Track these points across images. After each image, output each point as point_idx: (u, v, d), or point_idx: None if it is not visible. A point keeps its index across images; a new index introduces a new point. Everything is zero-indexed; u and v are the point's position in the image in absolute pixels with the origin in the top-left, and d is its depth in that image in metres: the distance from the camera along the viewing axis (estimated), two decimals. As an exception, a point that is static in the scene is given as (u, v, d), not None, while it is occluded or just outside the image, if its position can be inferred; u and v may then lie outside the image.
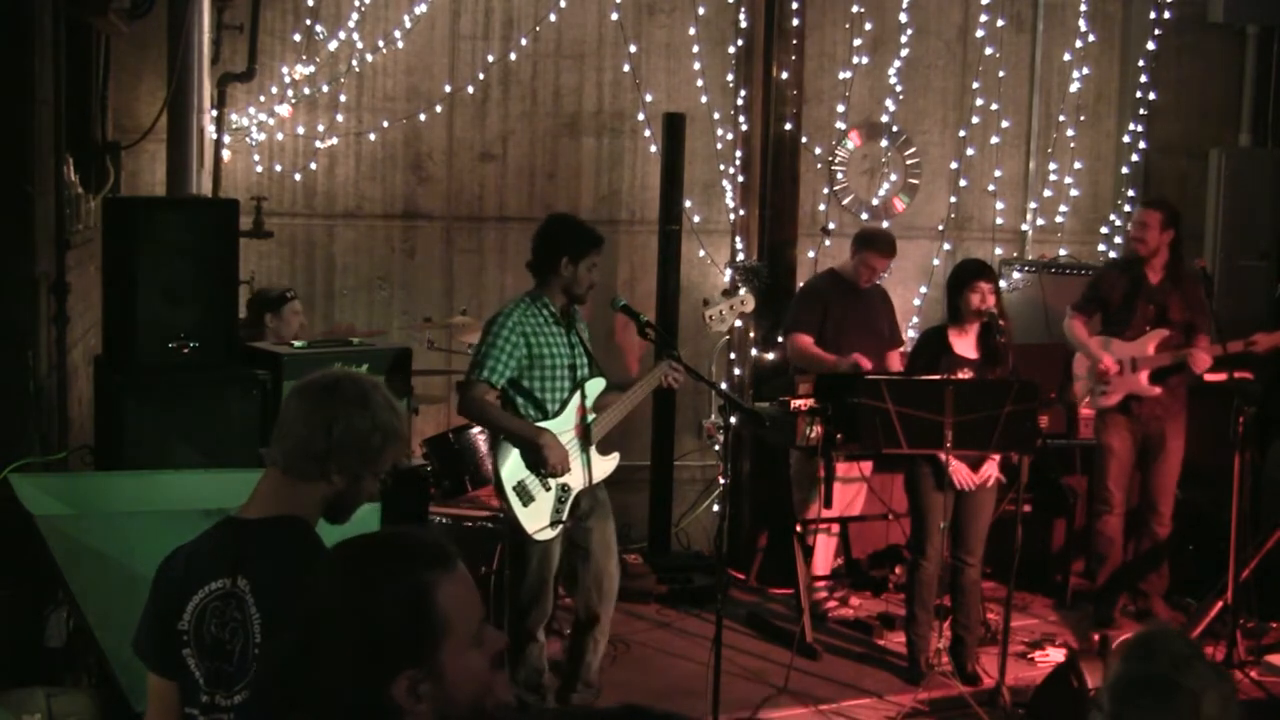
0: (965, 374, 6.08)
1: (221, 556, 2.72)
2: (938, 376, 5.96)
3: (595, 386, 5.57)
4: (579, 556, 5.63)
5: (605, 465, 5.61)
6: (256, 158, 7.61)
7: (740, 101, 8.12)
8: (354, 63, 7.69)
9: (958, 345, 6.18)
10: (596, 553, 5.61)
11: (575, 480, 5.49)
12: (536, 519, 5.41)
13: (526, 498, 5.39)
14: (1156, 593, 7.04)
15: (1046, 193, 8.79)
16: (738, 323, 7.25)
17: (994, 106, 8.60)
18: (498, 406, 5.49)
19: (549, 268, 5.47)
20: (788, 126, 7.92)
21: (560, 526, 5.47)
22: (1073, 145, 8.79)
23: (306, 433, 2.71)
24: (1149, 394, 6.80)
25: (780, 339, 7.53)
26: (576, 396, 5.51)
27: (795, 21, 7.88)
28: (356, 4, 7.61)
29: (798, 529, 6.84)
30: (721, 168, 8.16)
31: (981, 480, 6.13)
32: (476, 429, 6.39)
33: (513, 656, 5.55)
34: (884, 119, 8.50)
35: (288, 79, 7.59)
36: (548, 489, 5.42)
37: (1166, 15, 8.67)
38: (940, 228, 8.61)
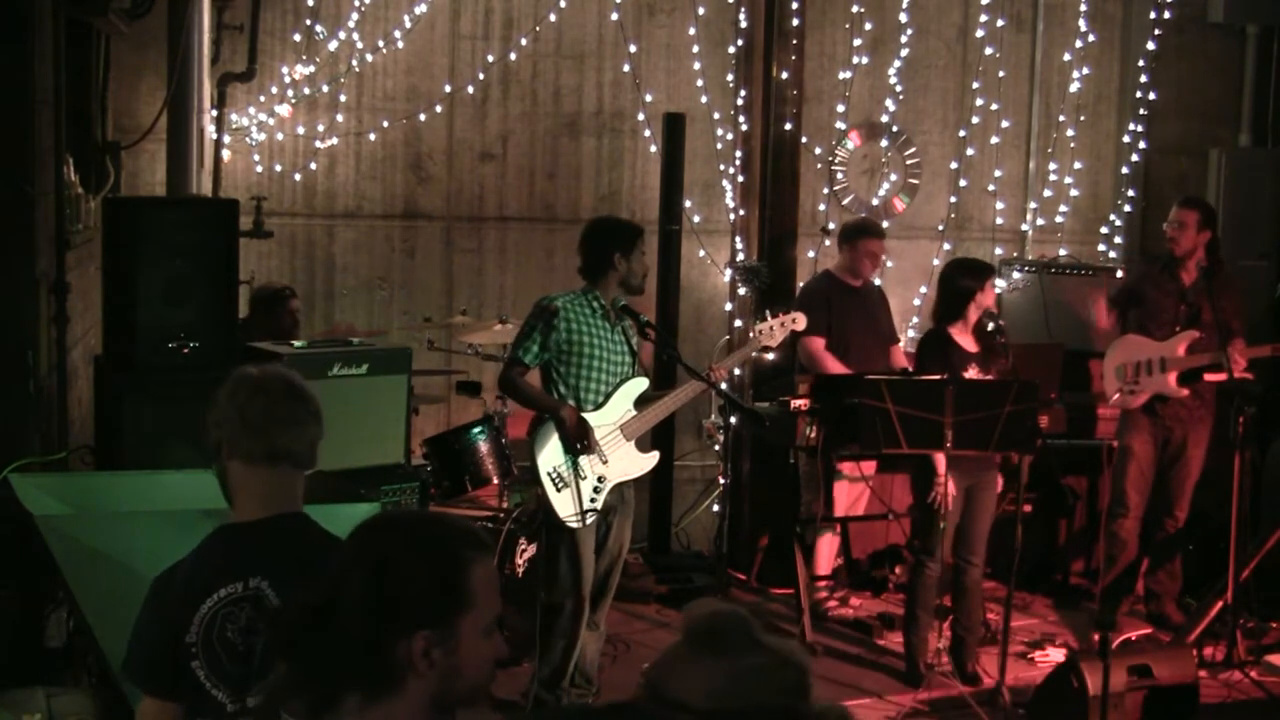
0: (973, 368, 6.10)
1: (227, 563, 2.71)
2: (943, 375, 5.95)
3: (637, 385, 5.67)
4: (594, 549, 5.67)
5: (644, 462, 5.70)
6: (256, 158, 7.60)
7: (740, 101, 8.11)
8: (354, 63, 7.68)
9: (961, 342, 6.19)
10: (611, 549, 5.70)
11: (612, 472, 5.57)
12: (569, 505, 5.46)
13: (561, 484, 5.47)
14: (1170, 595, 7.02)
15: (1046, 193, 8.77)
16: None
17: (994, 106, 8.59)
18: (528, 382, 5.63)
19: (604, 266, 5.62)
20: (788, 126, 7.91)
21: (592, 516, 5.50)
22: (1073, 145, 8.78)
23: (299, 431, 2.77)
24: (1176, 395, 6.74)
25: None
26: (619, 393, 5.60)
27: (795, 21, 7.87)
28: (356, 4, 7.60)
29: (797, 529, 6.84)
30: (721, 168, 8.15)
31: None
32: (476, 429, 6.44)
33: (539, 650, 5.56)
34: (884, 119, 8.49)
35: (288, 79, 7.58)
36: (583, 477, 5.47)
37: (1166, 15, 8.65)
38: (940, 228, 8.61)
